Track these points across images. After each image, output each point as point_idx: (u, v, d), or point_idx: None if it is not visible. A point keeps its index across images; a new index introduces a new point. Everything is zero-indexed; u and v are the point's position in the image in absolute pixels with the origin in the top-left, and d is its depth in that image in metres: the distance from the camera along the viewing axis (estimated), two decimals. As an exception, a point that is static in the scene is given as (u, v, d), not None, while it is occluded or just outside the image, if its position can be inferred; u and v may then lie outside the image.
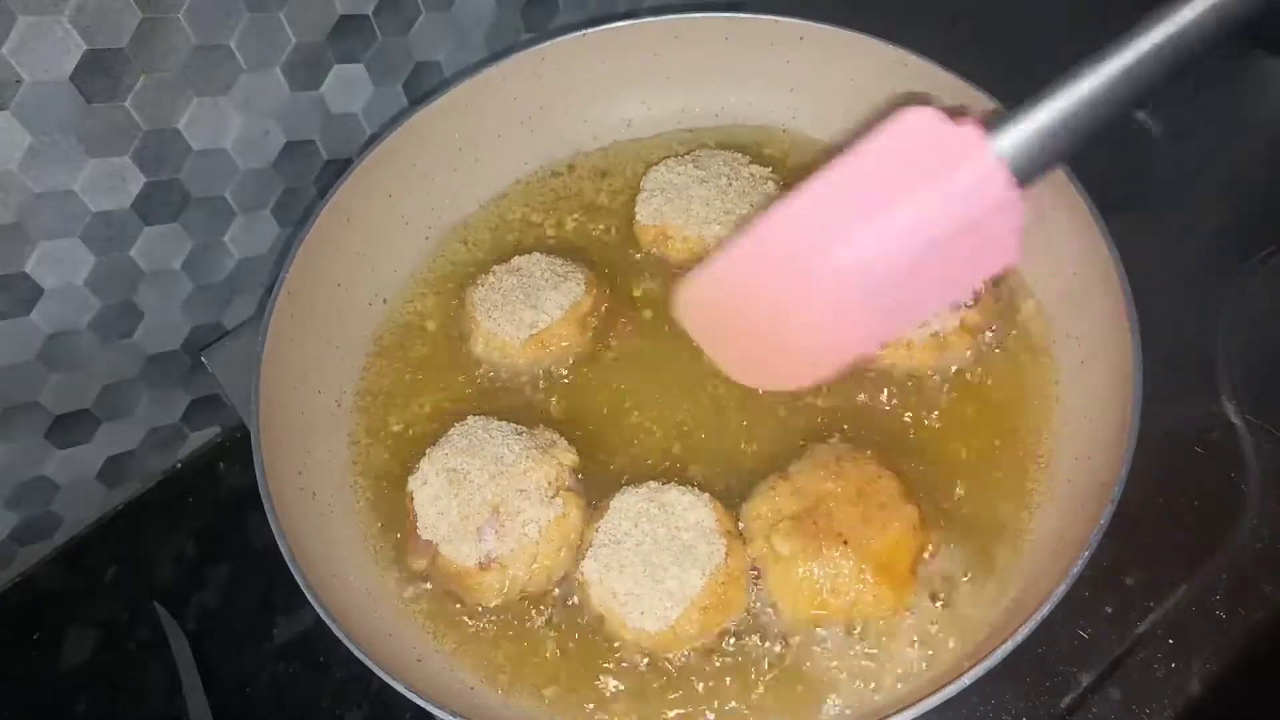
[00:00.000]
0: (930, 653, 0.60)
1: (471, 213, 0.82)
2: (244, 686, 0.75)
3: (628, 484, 0.64)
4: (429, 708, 0.54)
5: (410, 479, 0.65)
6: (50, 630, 0.81)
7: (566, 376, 0.72)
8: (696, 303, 0.57)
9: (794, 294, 0.54)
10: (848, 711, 0.59)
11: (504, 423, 0.66)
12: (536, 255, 0.74)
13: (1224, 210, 0.87)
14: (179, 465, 0.89)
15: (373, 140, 0.78)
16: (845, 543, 0.59)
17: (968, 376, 0.69)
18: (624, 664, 0.61)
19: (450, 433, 0.66)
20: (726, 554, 0.60)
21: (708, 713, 0.60)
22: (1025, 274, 0.72)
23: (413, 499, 0.64)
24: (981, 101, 0.70)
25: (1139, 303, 0.62)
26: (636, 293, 0.75)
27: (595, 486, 0.66)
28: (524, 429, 0.66)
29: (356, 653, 0.56)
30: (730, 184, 0.75)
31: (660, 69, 0.82)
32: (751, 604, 0.62)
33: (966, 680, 0.52)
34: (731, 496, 0.65)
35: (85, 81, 0.66)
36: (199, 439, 0.90)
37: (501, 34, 0.91)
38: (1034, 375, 0.69)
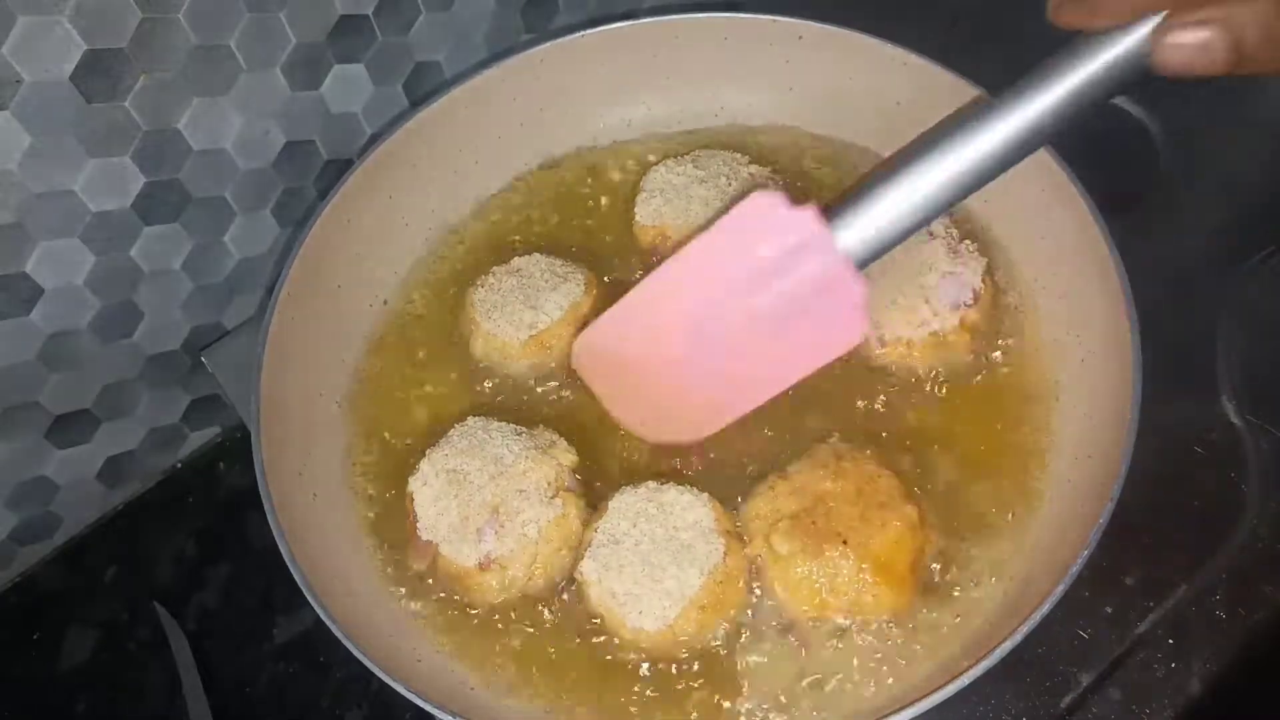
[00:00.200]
0: (929, 652, 0.60)
1: (471, 214, 0.82)
2: (244, 686, 0.75)
3: (627, 484, 0.64)
4: (429, 708, 0.55)
5: (410, 480, 0.65)
6: (50, 630, 0.81)
7: (566, 377, 0.72)
8: (588, 353, 0.62)
9: (658, 358, 0.59)
10: (848, 711, 0.59)
11: (504, 423, 0.66)
12: (536, 256, 0.74)
13: (1224, 210, 0.87)
14: (179, 465, 0.89)
15: (373, 140, 0.78)
16: (845, 542, 0.59)
17: (967, 375, 0.69)
18: (623, 664, 0.61)
19: (450, 433, 0.66)
20: (725, 553, 0.60)
21: (706, 711, 0.60)
22: (1025, 273, 0.72)
23: (413, 500, 0.64)
24: (982, 100, 0.70)
25: (1139, 303, 0.62)
26: (636, 293, 0.75)
27: (595, 486, 0.66)
28: (524, 429, 0.66)
29: (356, 653, 0.56)
30: (730, 184, 0.75)
31: (660, 69, 0.82)
32: (751, 603, 0.62)
33: (966, 680, 0.52)
34: (731, 496, 0.64)
35: (85, 81, 0.66)
36: (199, 439, 0.90)
37: (501, 34, 0.91)
38: (1033, 375, 0.69)
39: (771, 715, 0.59)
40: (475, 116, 0.79)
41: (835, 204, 0.54)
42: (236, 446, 0.89)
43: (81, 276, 0.74)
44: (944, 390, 0.69)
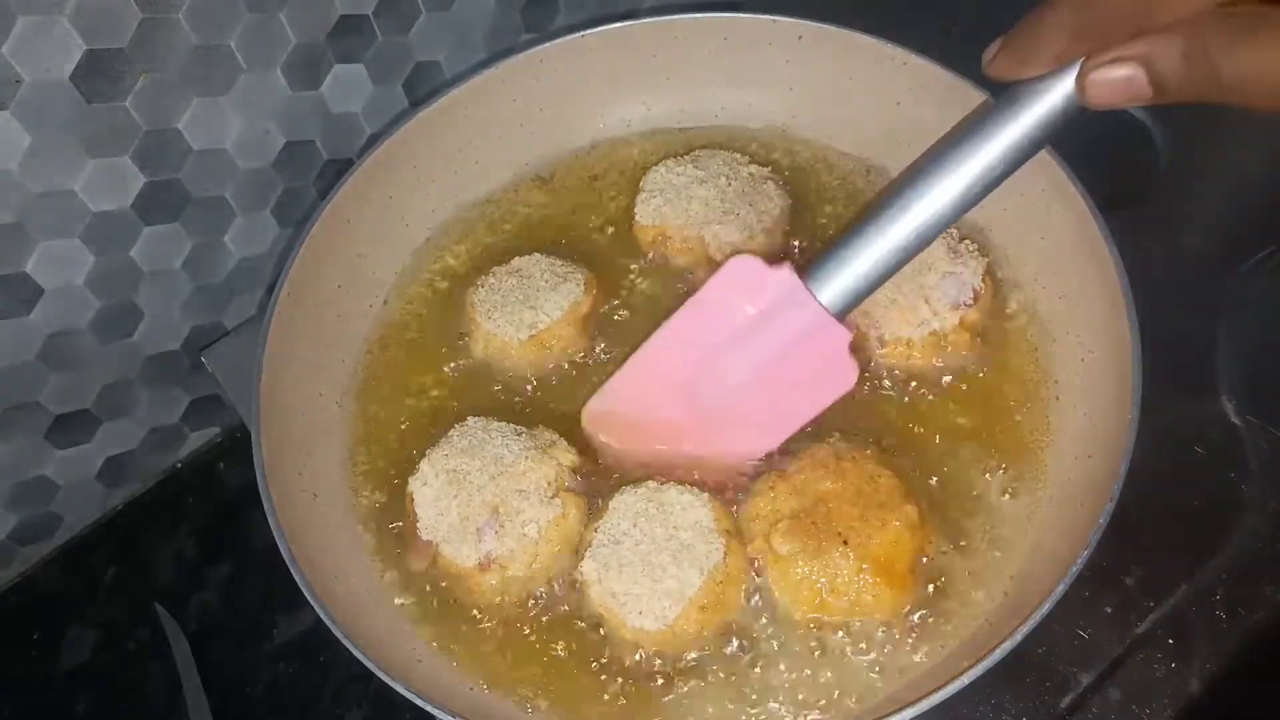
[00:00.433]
0: (929, 652, 0.60)
1: (471, 214, 0.82)
2: (244, 686, 0.75)
3: (627, 484, 0.64)
4: (429, 708, 0.54)
5: (410, 480, 0.65)
6: (50, 630, 0.81)
7: (566, 378, 0.72)
8: (598, 418, 0.66)
9: (662, 418, 0.64)
10: (847, 712, 0.59)
11: (504, 423, 0.66)
12: (536, 256, 0.74)
13: (1224, 210, 0.87)
14: (179, 465, 0.89)
15: (373, 140, 0.78)
16: (845, 542, 0.59)
17: (967, 375, 0.69)
18: (623, 664, 0.61)
19: (450, 433, 0.66)
20: (725, 553, 0.60)
21: (708, 710, 0.60)
22: (1025, 273, 0.72)
23: (412, 500, 0.64)
24: (982, 100, 0.70)
25: (1139, 303, 0.62)
26: (636, 294, 0.75)
27: (595, 486, 0.66)
28: (524, 429, 0.66)
29: (356, 653, 0.56)
30: (730, 184, 0.75)
31: (660, 69, 0.82)
32: (752, 604, 0.62)
33: (966, 680, 0.52)
34: (731, 494, 0.64)
35: (85, 81, 0.66)
36: (199, 439, 0.90)
37: (501, 34, 0.91)
38: (1033, 375, 0.69)
39: (773, 716, 0.59)
40: (475, 116, 0.79)
41: (811, 260, 0.60)
42: (236, 446, 0.89)
43: (81, 276, 0.74)
44: (944, 390, 0.69)
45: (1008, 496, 0.65)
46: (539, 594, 0.63)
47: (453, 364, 0.74)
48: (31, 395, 0.76)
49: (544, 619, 0.63)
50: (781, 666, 0.60)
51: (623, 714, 0.60)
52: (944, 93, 0.72)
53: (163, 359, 0.83)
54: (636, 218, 0.76)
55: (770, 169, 0.78)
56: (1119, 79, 0.47)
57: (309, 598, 0.58)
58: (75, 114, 0.67)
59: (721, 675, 0.60)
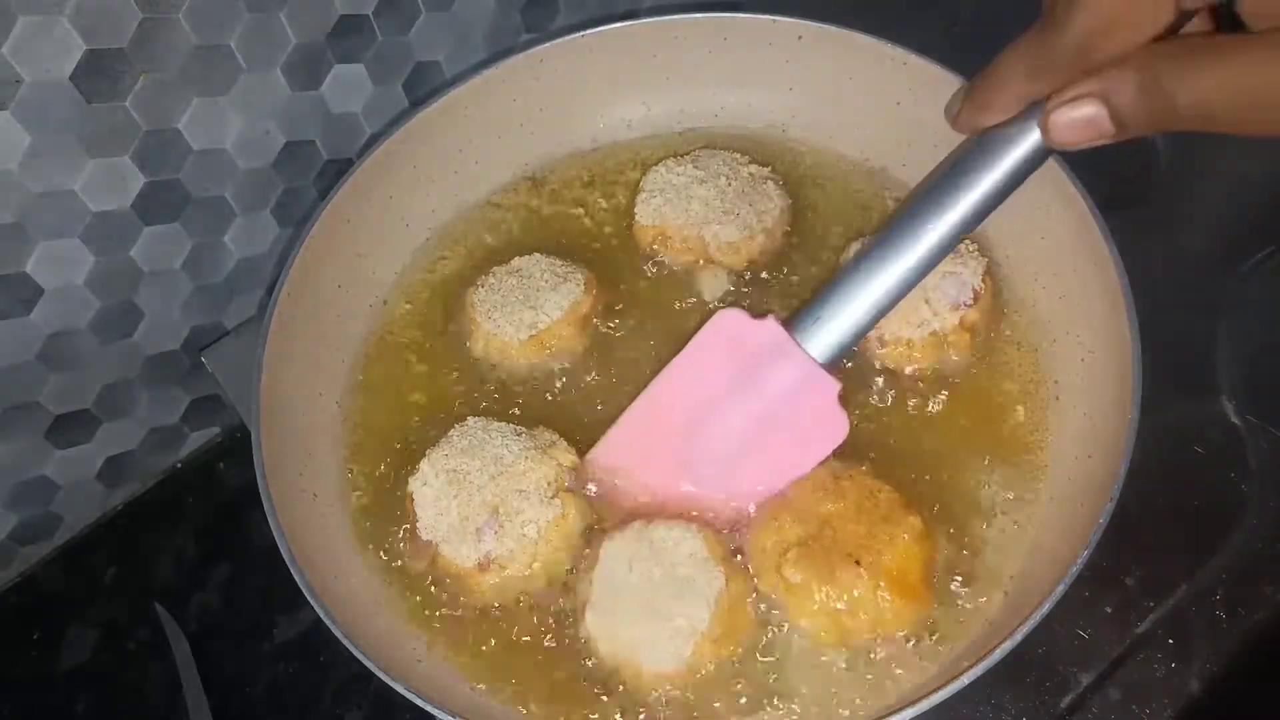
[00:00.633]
0: (930, 653, 0.60)
1: (471, 214, 0.82)
2: (244, 686, 0.75)
3: (614, 528, 0.63)
4: (429, 708, 0.54)
5: (410, 480, 0.65)
6: (50, 630, 0.81)
7: (566, 377, 0.72)
8: (601, 467, 0.66)
9: (659, 471, 0.64)
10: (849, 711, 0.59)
11: (504, 423, 0.66)
12: (536, 256, 0.74)
13: (1224, 210, 0.87)
14: (179, 465, 0.89)
15: (373, 140, 0.78)
16: (857, 562, 0.59)
17: (967, 375, 0.69)
18: (646, 700, 0.60)
19: (450, 433, 0.66)
20: (726, 579, 0.59)
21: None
22: (1025, 273, 0.72)
23: (412, 500, 0.64)
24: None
25: (1139, 303, 0.62)
26: (636, 294, 0.75)
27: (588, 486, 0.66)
28: (524, 430, 0.66)
29: (356, 653, 0.56)
30: (730, 184, 0.75)
31: (660, 69, 0.82)
32: (773, 635, 0.61)
33: (966, 680, 0.52)
34: (728, 529, 0.64)
35: (85, 81, 0.66)
36: (199, 439, 0.90)
37: (501, 34, 0.91)
38: (1033, 375, 0.69)
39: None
40: (475, 116, 0.79)
41: (796, 311, 0.61)
42: (236, 446, 0.89)
43: (81, 276, 0.74)
44: (944, 390, 0.69)
45: (1008, 497, 0.65)
46: (538, 596, 0.63)
47: (453, 364, 0.74)
48: (31, 395, 0.76)
49: (542, 626, 0.63)
50: (807, 692, 0.59)
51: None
52: (944, 93, 0.72)
53: (163, 359, 0.83)
54: (636, 218, 0.76)
55: (770, 169, 0.78)
56: (1080, 118, 0.48)
57: (309, 598, 0.57)
58: (75, 114, 0.67)
59: (743, 701, 0.60)
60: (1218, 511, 0.72)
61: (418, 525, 0.63)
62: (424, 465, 0.65)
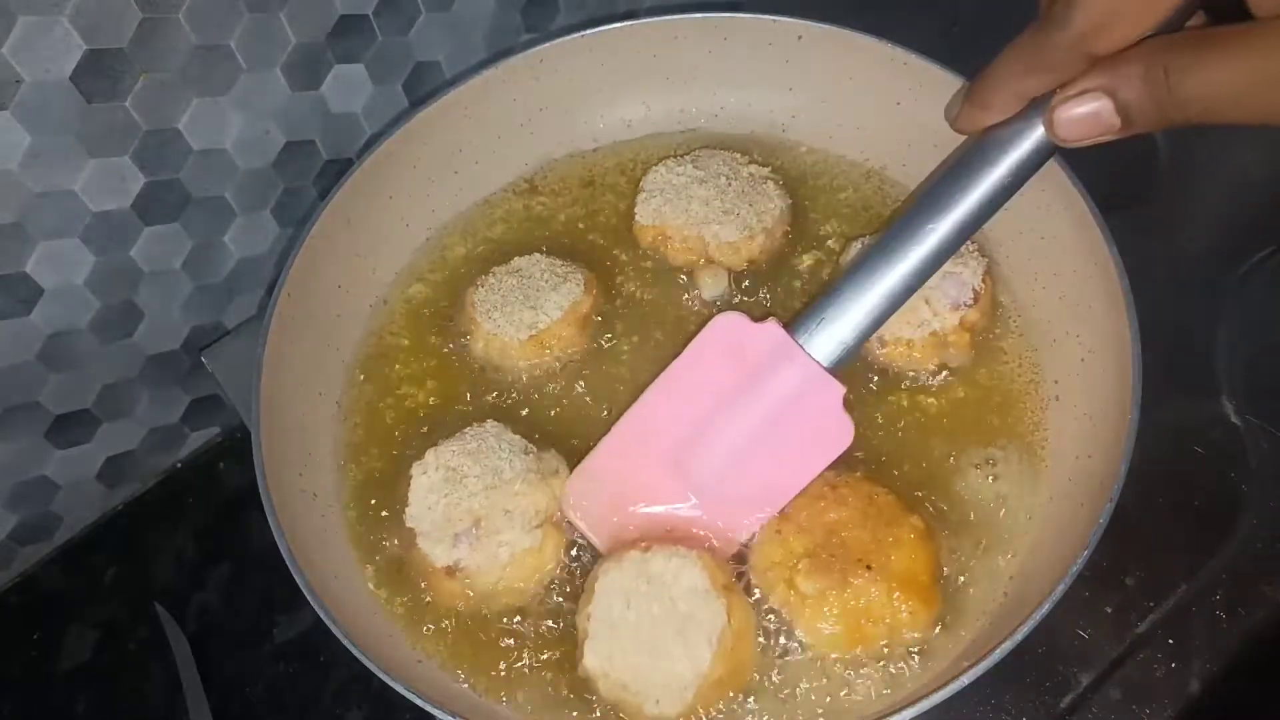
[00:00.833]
0: (930, 653, 0.60)
1: (471, 214, 0.82)
2: (244, 686, 0.75)
3: (608, 557, 0.61)
4: (429, 708, 0.54)
5: (415, 464, 0.65)
6: (50, 630, 0.81)
7: (566, 377, 0.72)
8: (580, 498, 0.63)
9: (652, 492, 0.61)
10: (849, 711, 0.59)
11: (517, 437, 0.66)
12: (536, 256, 0.74)
13: (1224, 210, 0.87)
14: (179, 465, 0.89)
15: (373, 140, 0.78)
16: (868, 568, 0.58)
17: (967, 375, 0.69)
18: None
19: (465, 430, 0.66)
20: (729, 613, 0.57)
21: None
22: (1025, 273, 0.72)
23: (410, 483, 0.64)
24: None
25: (1139, 302, 0.62)
26: (636, 294, 0.75)
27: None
28: (533, 450, 0.65)
29: (356, 653, 0.56)
30: (730, 184, 0.75)
31: (659, 70, 0.82)
32: (788, 649, 0.60)
33: (966, 680, 0.52)
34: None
35: (85, 81, 0.66)
36: (199, 439, 0.90)
37: (501, 34, 0.91)
38: (1033, 375, 0.69)
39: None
40: (475, 116, 0.79)
41: (798, 314, 0.59)
42: (236, 446, 0.89)
43: (81, 276, 0.74)
44: (944, 390, 0.69)
45: (1007, 497, 0.65)
46: (499, 614, 0.63)
47: (453, 364, 0.74)
48: (31, 395, 0.76)
49: (538, 631, 0.62)
50: (829, 704, 0.59)
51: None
52: (944, 93, 0.72)
53: (163, 359, 0.83)
54: (636, 218, 0.76)
55: (770, 169, 0.78)
56: (1086, 113, 0.48)
57: (309, 598, 0.57)
58: (75, 114, 0.67)
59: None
60: (1218, 511, 0.72)
61: (407, 510, 0.63)
62: (429, 455, 0.65)
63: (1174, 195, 0.86)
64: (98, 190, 0.71)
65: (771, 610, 0.61)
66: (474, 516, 0.62)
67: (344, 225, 0.73)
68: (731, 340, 0.60)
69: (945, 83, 0.72)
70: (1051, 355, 0.69)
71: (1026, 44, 0.50)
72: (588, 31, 0.79)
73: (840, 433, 0.60)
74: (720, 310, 0.73)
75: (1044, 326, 0.70)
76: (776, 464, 0.60)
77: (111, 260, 0.75)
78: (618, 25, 0.79)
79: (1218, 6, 0.47)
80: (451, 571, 0.61)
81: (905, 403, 0.68)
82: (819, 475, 0.61)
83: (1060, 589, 0.54)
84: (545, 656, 0.62)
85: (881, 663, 0.60)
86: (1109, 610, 0.68)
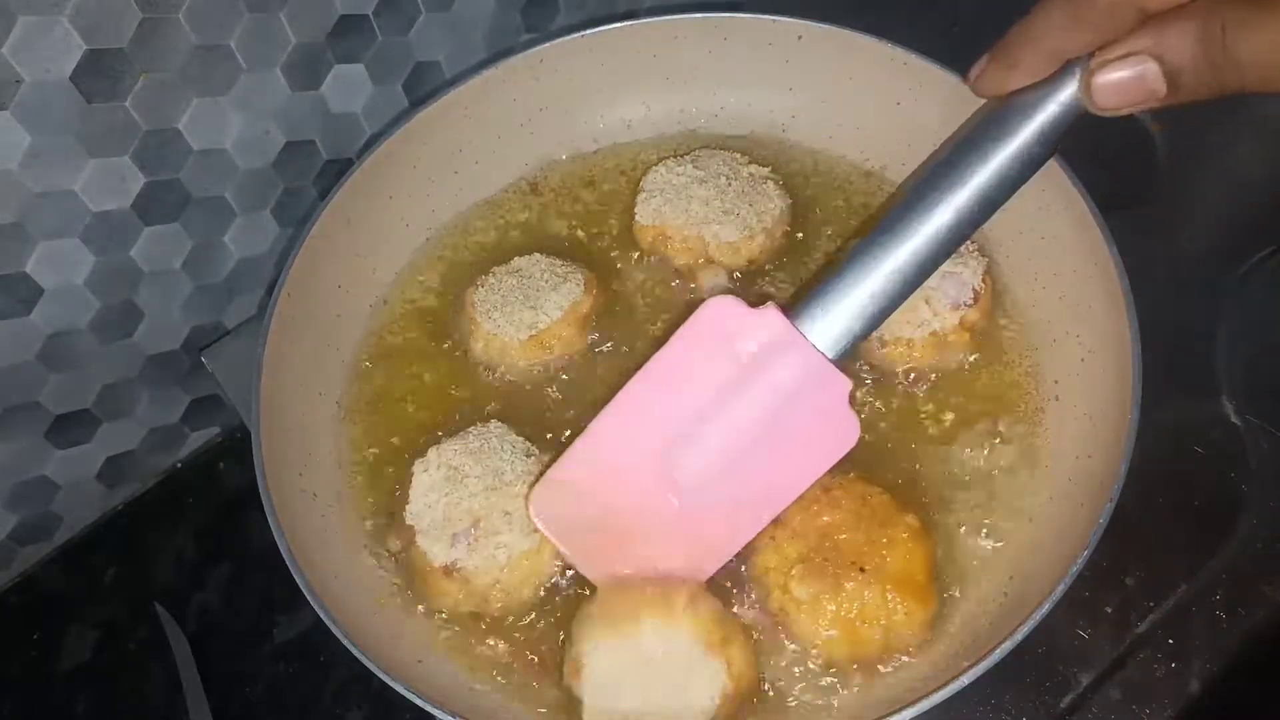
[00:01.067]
0: (929, 653, 0.60)
1: (471, 214, 0.82)
2: (244, 686, 0.75)
3: (596, 622, 0.58)
4: (429, 708, 0.54)
5: (418, 461, 0.65)
6: (50, 630, 0.81)
7: (566, 377, 0.72)
8: (549, 504, 0.56)
9: (633, 497, 0.53)
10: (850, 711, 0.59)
11: (520, 438, 0.66)
12: (536, 256, 0.74)
13: (1224, 210, 0.87)
14: (179, 465, 0.89)
15: (373, 140, 0.78)
16: (862, 570, 0.58)
17: (967, 375, 0.69)
18: None
19: (469, 430, 0.66)
20: (728, 667, 0.56)
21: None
22: (1025, 273, 0.72)
23: (411, 481, 0.64)
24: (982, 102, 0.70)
25: (1139, 302, 0.62)
26: (636, 294, 0.75)
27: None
28: (535, 453, 0.65)
29: (356, 653, 0.56)
30: (730, 184, 0.75)
31: (659, 70, 0.82)
32: (786, 653, 0.60)
33: (966, 680, 0.52)
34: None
35: (85, 81, 0.66)
36: (199, 439, 0.90)
37: (501, 34, 0.91)
38: (1033, 375, 0.69)
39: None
40: (475, 116, 0.79)
41: (800, 298, 0.51)
42: (236, 446, 0.89)
43: (81, 276, 0.74)
44: (944, 390, 0.69)
45: (1006, 497, 0.65)
46: (499, 616, 0.63)
47: (453, 364, 0.74)
48: (31, 395, 0.76)
49: (543, 626, 0.62)
50: (834, 708, 0.59)
51: None
52: (944, 93, 0.72)
53: (163, 359, 0.83)
54: (636, 217, 0.76)
55: (770, 169, 0.78)
56: (1129, 78, 0.42)
57: (309, 598, 0.57)
58: (75, 114, 0.67)
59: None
60: (1218, 511, 0.72)
61: (407, 507, 0.63)
62: (431, 453, 0.65)
63: (1174, 195, 0.86)
64: (98, 190, 0.71)
65: (768, 615, 0.61)
66: (473, 517, 0.62)
67: (344, 225, 0.73)
68: (724, 327, 0.52)
69: (945, 83, 0.72)
70: (1051, 355, 0.69)
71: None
72: (588, 31, 0.79)
73: (844, 432, 0.53)
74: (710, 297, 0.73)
75: (1044, 326, 0.70)
76: (772, 466, 0.54)
77: (111, 260, 0.75)
78: (618, 25, 0.79)
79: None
80: (449, 571, 0.61)
81: (904, 402, 0.68)
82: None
83: (1060, 589, 0.54)
84: (544, 658, 0.62)
85: (880, 664, 0.60)
86: (1109, 610, 0.68)
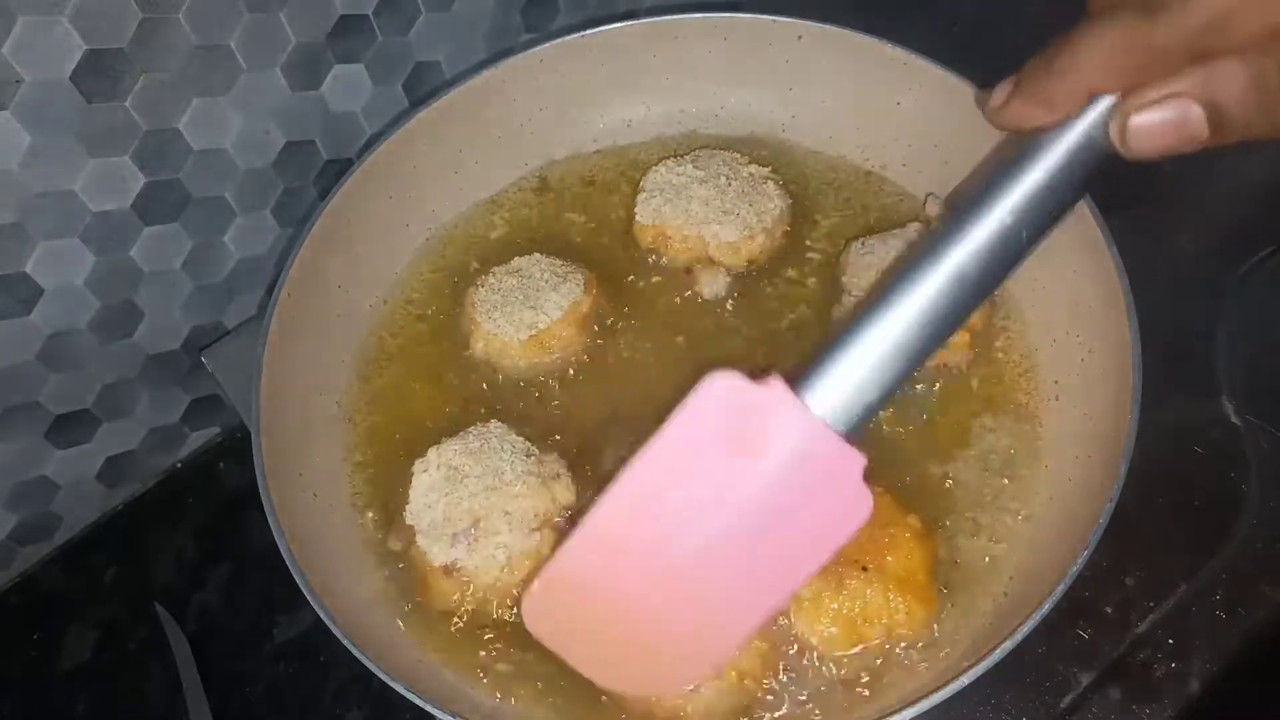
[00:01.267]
0: (929, 653, 0.60)
1: (471, 214, 0.82)
2: (244, 686, 0.75)
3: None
4: (429, 708, 0.54)
5: (417, 460, 0.65)
6: (50, 630, 0.81)
7: (566, 377, 0.72)
8: (543, 607, 0.52)
9: (634, 594, 0.50)
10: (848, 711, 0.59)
11: (520, 438, 0.66)
12: (536, 256, 0.74)
13: (1224, 210, 0.87)
14: (179, 465, 0.89)
15: (373, 140, 0.78)
16: (864, 569, 0.59)
17: (966, 375, 0.69)
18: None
19: (468, 430, 0.66)
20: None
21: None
22: (1024, 274, 0.72)
23: (411, 480, 0.64)
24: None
25: (1139, 302, 0.62)
26: (636, 294, 0.75)
27: (587, 488, 0.65)
28: (535, 452, 0.65)
29: (356, 653, 0.56)
30: (730, 184, 0.75)
31: (660, 70, 0.82)
32: (787, 650, 0.60)
33: (966, 680, 0.52)
34: None
35: (85, 81, 0.66)
36: (199, 439, 0.90)
37: (501, 34, 0.91)
38: (1033, 375, 0.69)
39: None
40: (475, 116, 0.79)
41: (807, 369, 0.46)
42: (236, 446, 0.89)
43: (81, 276, 0.74)
44: (943, 390, 0.69)
45: (1006, 497, 0.65)
46: (499, 617, 0.63)
47: (452, 364, 0.74)
48: (31, 395, 0.76)
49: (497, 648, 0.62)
50: (831, 704, 0.59)
51: None
52: (944, 93, 0.72)
53: (163, 359, 0.83)
54: (636, 217, 0.76)
55: (770, 169, 0.78)
56: (1170, 121, 0.39)
57: (309, 598, 0.57)
58: (75, 114, 0.67)
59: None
60: (1218, 511, 0.72)
61: (407, 507, 0.63)
62: (431, 453, 0.65)
63: (1174, 195, 0.86)
64: (98, 190, 0.71)
65: None
66: (473, 517, 0.62)
67: (344, 225, 0.73)
68: (727, 405, 0.47)
69: (945, 83, 0.72)
70: (1051, 355, 0.69)
71: (1116, 34, 0.39)
72: (588, 31, 0.79)
73: (856, 507, 0.48)
74: (720, 309, 0.73)
75: (1044, 326, 0.70)
76: (780, 547, 0.49)
77: (111, 260, 0.75)
78: (618, 25, 0.79)
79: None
80: (449, 570, 0.61)
81: (904, 403, 0.68)
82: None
83: (1060, 589, 0.54)
84: (546, 658, 0.62)
85: (881, 663, 0.60)
86: (1109, 610, 0.68)
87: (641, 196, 0.76)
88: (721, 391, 0.47)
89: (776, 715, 0.59)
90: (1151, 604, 0.68)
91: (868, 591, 0.58)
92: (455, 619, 0.63)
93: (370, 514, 0.68)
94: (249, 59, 0.74)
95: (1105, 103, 0.41)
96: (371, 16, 0.80)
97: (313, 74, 0.79)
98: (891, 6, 0.81)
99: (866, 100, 0.78)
